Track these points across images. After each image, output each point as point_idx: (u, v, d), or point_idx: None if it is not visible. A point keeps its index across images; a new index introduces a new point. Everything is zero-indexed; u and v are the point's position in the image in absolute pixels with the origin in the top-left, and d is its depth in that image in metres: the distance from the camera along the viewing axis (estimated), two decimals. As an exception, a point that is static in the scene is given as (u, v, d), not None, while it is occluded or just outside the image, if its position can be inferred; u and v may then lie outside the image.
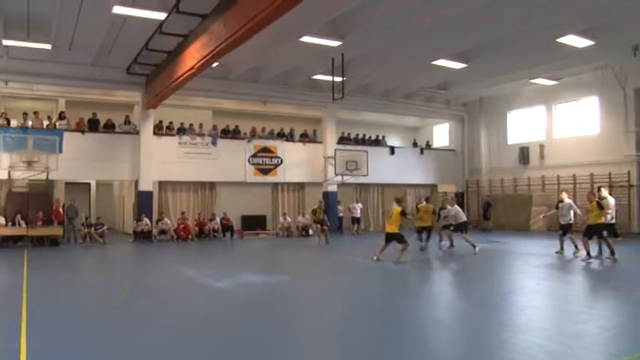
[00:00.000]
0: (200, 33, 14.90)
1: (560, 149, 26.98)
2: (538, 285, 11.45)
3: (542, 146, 27.89)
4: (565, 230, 16.07)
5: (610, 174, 24.29)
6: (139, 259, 18.20)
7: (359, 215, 26.83)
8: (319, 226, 21.14)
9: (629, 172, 23.78)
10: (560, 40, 19.05)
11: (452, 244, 17.82)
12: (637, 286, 11.55)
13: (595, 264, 14.13)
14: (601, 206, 14.71)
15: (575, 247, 15.48)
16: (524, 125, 29.57)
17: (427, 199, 18.67)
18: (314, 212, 22.12)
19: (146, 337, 7.33)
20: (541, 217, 16.64)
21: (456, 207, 18.06)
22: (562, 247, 16.15)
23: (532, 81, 26.11)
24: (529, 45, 19.98)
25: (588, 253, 14.61)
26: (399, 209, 14.71)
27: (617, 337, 7.24)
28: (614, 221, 15.39)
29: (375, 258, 14.77)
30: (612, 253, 14.40)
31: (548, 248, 16.99)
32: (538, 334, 7.10)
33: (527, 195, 27.47)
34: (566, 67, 23.69)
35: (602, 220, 14.75)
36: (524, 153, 28.57)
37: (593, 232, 14.58)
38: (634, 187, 23.38)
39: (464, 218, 17.70)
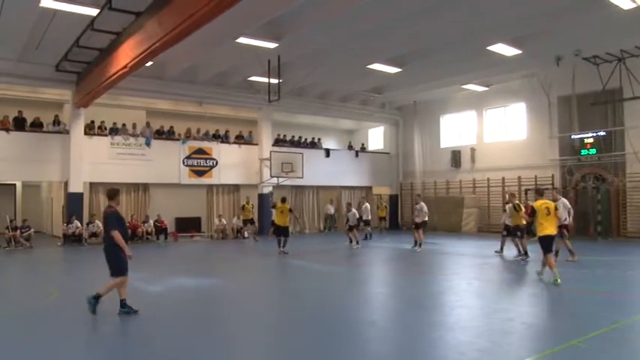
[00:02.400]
0: (134, 31, 14.57)
1: (490, 153, 27.93)
2: (469, 285, 11.79)
3: (473, 150, 28.79)
4: (510, 231, 16.27)
5: (536, 177, 25.31)
6: (67, 263, 17.58)
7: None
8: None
9: (552, 176, 24.85)
10: (490, 48, 19.71)
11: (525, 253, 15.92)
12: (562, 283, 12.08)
13: (523, 264, 14.69)
14: (516, 209, 15.66)
15: (519, 250, 15.62)
16: (456, 129, 30.42)
17: (283, 200, 18.92)
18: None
19: (71, 344, 7.12)
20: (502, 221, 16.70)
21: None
22: (502, 248, 16.57)
23: (463, 87, 26.93)
24: (461, 52, 20.59)
25: (523, 252, 15.49)
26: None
27: (539, 333, 7.57)
28: (567, 222, 15.47)
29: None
30: (523, 252, 15.47)
31: (479, 249, 17.53)
32: (468, 333, 7.32)
33: (459, 197, 28.25)
34: (495, 74, 24.62)
35: (522, 221, 15.45)
36: (456, 156, 29.39)
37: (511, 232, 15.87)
38: (557, 189, 24.36)
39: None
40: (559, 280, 10.98)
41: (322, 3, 15.57)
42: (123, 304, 8.49)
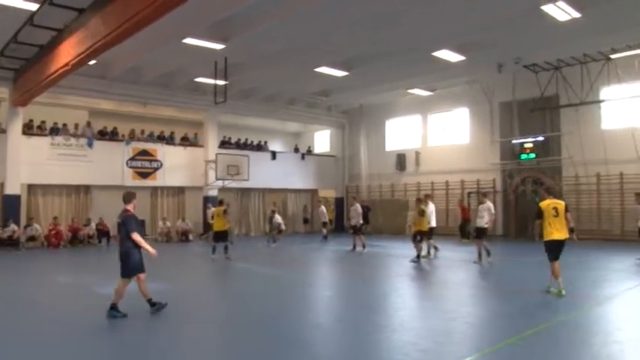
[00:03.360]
0: (76, 28, 14.20)
1: (434, 157, 28.51)
2: (413, 286, 12.02)
3: (417, 153, 29.32)
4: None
5: (478, 180, 26.00)
6: (2, 267, 16.92)
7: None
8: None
9: (494, 180, 25.58)
10: (436, 54, 20.13)
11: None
12: (500, 283, 12.43)
13: (467, 265, 15.02)
14: (422, 213, 16.07)
15: (488, 252, 15.16)
16: (401, 133, 30.90)
17: (221, 202, 18.17)
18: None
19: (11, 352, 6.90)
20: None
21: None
22: (428, 252, 16.85)
23: (409, 91, 27.36)
24: (407, 57, 20.87)
25: (418, 256, 15.91)
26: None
27: (480, 332, 7.83)
28: (487, 226, 15.25)
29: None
30: (416, 256, 15.86)
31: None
32: (412, 333, 7.48)
33: (404, 200, 28.70)
34: (440, 80, 25.16)
35: (425, 227, 16.08)
36: (401, 160, 29.84)
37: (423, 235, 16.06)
38: (498, 192, 25.13)
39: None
40: (564, 292, 9.77)
41: (270, 6, 15.53)
42: (114, 306, 8.56)
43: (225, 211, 17.42)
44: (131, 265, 8.60)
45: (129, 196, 9.02)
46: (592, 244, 20.60)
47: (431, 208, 16.86)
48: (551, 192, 10.43)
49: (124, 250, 8.64)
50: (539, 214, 10.01)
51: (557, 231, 9.85)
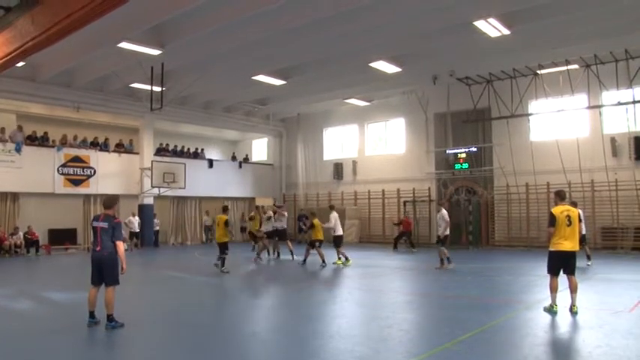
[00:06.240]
0: (3, 27, 13.62)
1: (371, 166, 28.91)
2: (350, 294, 12.08)
3: (355, 162, 29.67)
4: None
5: (414, 189, 26.51)
6: None
7: (137, 230, 25.16)
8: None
9: (429, 188, 26.15)
10: (372, 64, 20.41)
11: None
12: (436, 289, 12.68)
13: (402, 273, 15.24)
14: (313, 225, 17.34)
15: (444, 260, 15.59)
16: (338, 142, 31.22)
17: (225, 209, 16.94)
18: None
19: None
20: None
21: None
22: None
23: (346, 101, 27.69)
24: (344, 67, 21.14)
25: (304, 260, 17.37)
26: None
27: (416, 338, 7.93)
28: (447, 233, 15.68)
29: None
30: (320, 261, 16.95)
31: (360, 259, 17.94)
32: (348, 341, 7.48)
33: (341, 209, 28.79)
34: (377, 90, 25.60)
35: (319, 236, 17.29)
36: (338, 169, 30.13)
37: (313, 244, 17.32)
38: (433, 201, 25.69)
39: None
40: (555, 309, 8.94)
41: (208, 12, 15.40)
42: (111, 318, 8.22)
43: (226, 222, 15.66)
44: (118, 271, 8.26)
45: (112, 200, 8.53)
46: (522, 251, 21.39)
47: (334, 216, 17.55)
48: (563, 197, 9.27)
49: (110, 256, 8.20)
50: (552, 221, 8.90)
51: (567, 241, 8.84)
